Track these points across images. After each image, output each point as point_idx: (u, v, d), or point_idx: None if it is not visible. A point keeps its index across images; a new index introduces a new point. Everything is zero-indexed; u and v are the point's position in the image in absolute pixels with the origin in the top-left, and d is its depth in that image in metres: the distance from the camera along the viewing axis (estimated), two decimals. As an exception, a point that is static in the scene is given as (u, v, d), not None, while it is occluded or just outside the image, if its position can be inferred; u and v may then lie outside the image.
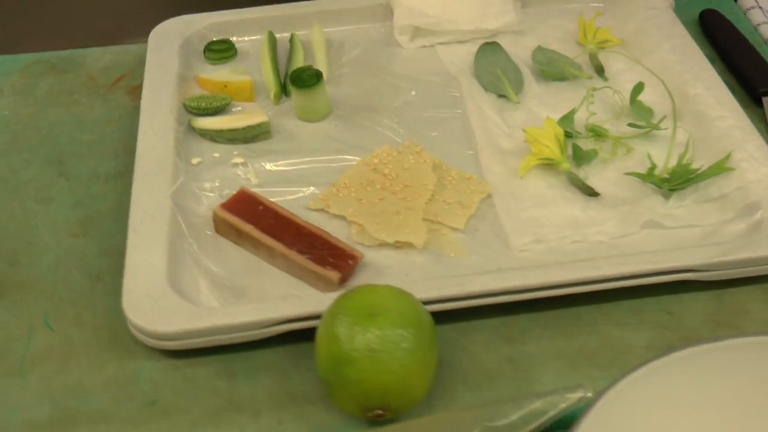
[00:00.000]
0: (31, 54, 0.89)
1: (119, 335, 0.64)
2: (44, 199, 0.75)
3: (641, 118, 0.74)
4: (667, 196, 0.69)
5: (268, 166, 0.74)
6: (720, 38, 0.84)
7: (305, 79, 0.76)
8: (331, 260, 0.64)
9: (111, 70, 0.87)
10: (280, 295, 0.64)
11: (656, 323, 0.63)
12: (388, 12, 0.87)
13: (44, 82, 0.86)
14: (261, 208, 0.68)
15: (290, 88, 0.77)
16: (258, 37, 0.86)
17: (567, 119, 0.73)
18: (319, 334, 0.57)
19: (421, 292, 0.60)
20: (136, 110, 0.82)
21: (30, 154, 0.79)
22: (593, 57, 0.81)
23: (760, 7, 0.88)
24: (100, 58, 0.89)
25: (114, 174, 0.76)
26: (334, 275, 0.63)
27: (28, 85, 0.86)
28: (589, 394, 0.56)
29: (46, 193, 0.75)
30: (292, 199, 0.71)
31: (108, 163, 0.77)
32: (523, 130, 0.72)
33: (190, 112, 0.78)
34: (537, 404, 0.55)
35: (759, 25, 0.87)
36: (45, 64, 0.88)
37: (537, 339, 0.63)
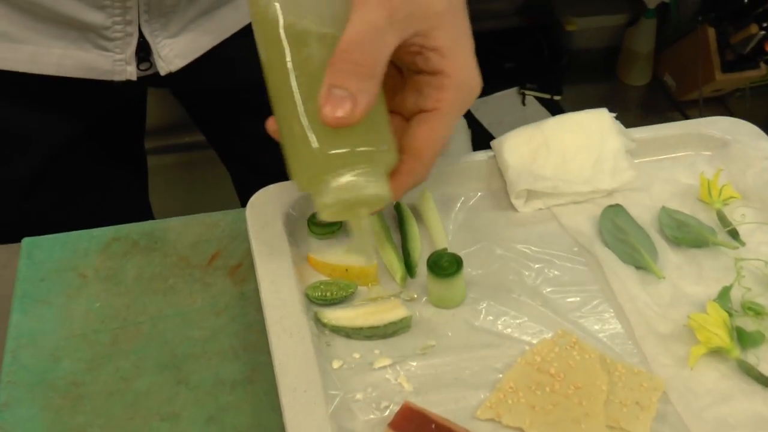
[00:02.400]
0: (107, 228, 0.82)
1: None
2: (170, 415, 0.68)
3: (792, 288, 0.72)
4: None
5: (416, 365, 0.69)
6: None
7: (444, 266, 0.71)
8: (528, 486, 0.60)
9: (201, 246, 0.81)
10: None
11: None
12: (493, 170, 0.83)
13: (131, 263, 0.79)
14: (433, 426, 0.63)
15: (428, 275, 0.72)
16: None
17: (724, 298, 0.70)
18: None
19: None
20: (242, 297, 0.76)
21: (138, 358, 0.72)
22: (722, 218, 0.78)
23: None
24: (183, 231, 0.82)
25: (240, 380, 0.70)
26: (537, 508, 0.59)
27: (114, 268, 0.79)
28: None
29: (170, 407, 0.68)
30: (454, 408, 0.66)
31: (230, 366, 0.71)
32: (689, 317, 0.68)
33: (313, 303, 0.73)
34: None
35: None
36: (126, 240, 0.81)
37: None
